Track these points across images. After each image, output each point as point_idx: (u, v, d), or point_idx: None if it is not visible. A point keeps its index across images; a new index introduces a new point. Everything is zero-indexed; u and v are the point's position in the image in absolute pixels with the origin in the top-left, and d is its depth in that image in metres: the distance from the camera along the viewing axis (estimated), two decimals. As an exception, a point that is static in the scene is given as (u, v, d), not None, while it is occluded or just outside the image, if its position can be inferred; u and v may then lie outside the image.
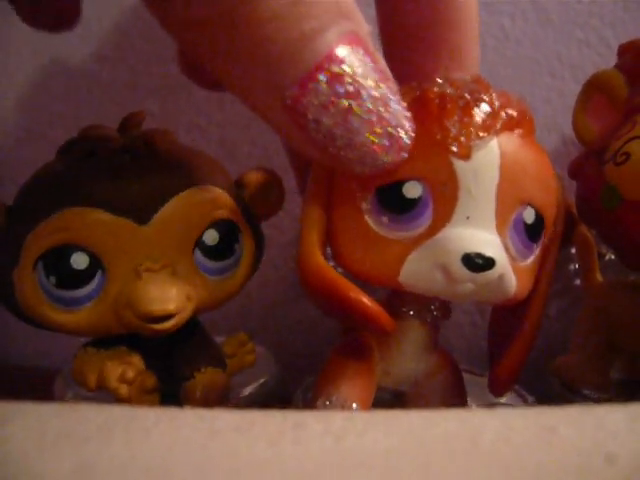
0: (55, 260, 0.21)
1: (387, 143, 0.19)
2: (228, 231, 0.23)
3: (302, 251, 0.22)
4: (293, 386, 0.29)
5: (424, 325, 0.23)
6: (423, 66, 0.24)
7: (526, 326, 0.23)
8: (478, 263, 0.19)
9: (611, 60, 0.26)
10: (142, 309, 0.21)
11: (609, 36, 0.31)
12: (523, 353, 0.23)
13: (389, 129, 0.19)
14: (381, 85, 0.18)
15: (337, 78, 0.18)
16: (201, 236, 0.23)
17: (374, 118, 0.18)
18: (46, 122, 0.37)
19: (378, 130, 0.18)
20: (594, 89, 0.25)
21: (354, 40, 0.18)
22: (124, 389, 0.22)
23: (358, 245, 0.21)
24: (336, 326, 0.27)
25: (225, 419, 0.16)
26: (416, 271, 0.20)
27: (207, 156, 0.25)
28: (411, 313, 0.23)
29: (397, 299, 0.23)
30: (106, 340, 0.23)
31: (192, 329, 0.24)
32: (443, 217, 0.20)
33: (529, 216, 0.21)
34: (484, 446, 0.15)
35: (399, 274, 0.20)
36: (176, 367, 0.23)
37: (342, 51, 0.18)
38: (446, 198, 0.20)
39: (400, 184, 0.20)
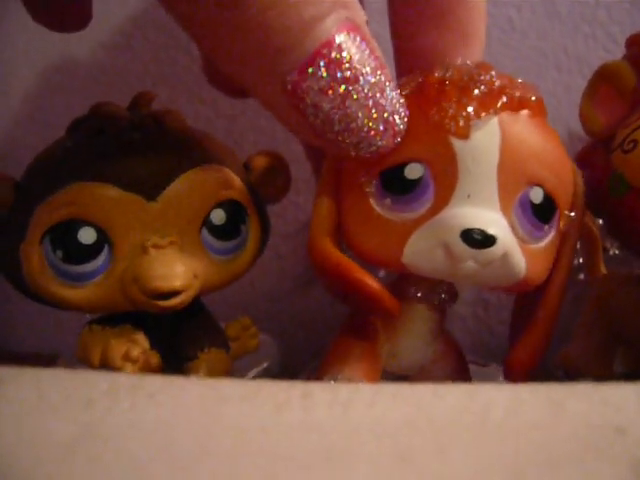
0: (62, 234, 0.21)
1: (382, 128, 0.19)
2: (235, 211, 0.23)
3: (311, 235, 0.22)
4: (296, 372, 0.28)
5: (431, 308, 0.23)
6: (432, 42, 0.24)
7: (541, 313, 0.23)
8: (477, 239, 0.19)
9: (617, 55, 0.26)
10: (148, 285, 0.21)
11: (615, 31, 0.32)
12: (539, 341, 0.23)
13: (385, 114, 0.19)
14: (378, 72, 0.19)
15: (336, 64, 0.18)
16: (208, 215, 0.22)
17: (371, 103, 0.19)
18: (54, 111, 0.37)
19: (374, 115, 0.19)
20: (602, 80, 0.25)
21: (352, 27, 0.18)
22: (128, 367, 0.22)
23: (364, 228, 0.21)
24: (339, 316, 0.27)
25: (232, 387, 0.16)
26: (418, 251, 0.20)
27: (215, 138, 0.25)
28: (419, 295, 0.23)
29: (405, 282, 0.23)
30: (111, 318, 0.23)
31: (196, 310, 0.24)
32: (444, 197, 0.20)
33: (536, 196, 0.21)
34: (494, 420, 0.15)
35: (402, 254, 0.20)
36: (180, 347, 0.23)
37: (340, 38, 0.18)
38: (447, 178, 0.20)
39: (402, 166, 0.20)
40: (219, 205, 0.23)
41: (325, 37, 0.18)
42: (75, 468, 0.13)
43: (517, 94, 0.21)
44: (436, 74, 0.21)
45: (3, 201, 0.22)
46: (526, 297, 0.24)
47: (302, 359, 0.29)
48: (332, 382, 0.22)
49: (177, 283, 0.21)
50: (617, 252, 0.30)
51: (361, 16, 0.19)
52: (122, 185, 0.21)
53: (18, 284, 0.22)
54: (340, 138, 0.19)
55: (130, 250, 0.21)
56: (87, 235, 0.21)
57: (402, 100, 0.20)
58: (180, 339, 0.23)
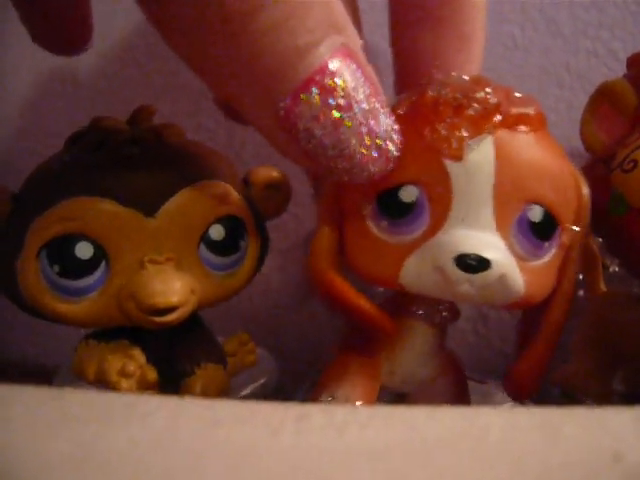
0: (59, 249, 0.21)
1: (375, 154, 0.19)
2: (234, 227, 0.23)
3: (310, 258, 0.22)
4: (293, 388, 0.28)
5: (432, 326, 0.23)
6: (430, 46, 0.24)
7: (545, 327, 0.22)
8: (471, 264, 0.19)
9: (619, 72, 0.26)
10: (145, 301, 0.21)
11: (618, 48, 0.32)
12: (542, 356, 0.22)
13: (378, 141, 0.19)
14: (372, 98, 0.19)
15: (329, 91, 0.18)
16: (207, 231, 0.22)
17: (364, 130, 0.19)
18: (55, 121, 0.37)
19: (367, 142, 0.19)
20: (603, 98, 0.25)
21: (346, 53, 0.18)
22: (124, 383, 0.22)
23: (362, 249, 0.22)
24: (338, 330, 0.27)
25: (226, 409, 0.16)
26: (414, 274, 0.20)
27: (215, 152, 0.25)
28: (420, 313, 0.23)
29: (405, 299, 0.23)
30: (108, 332, 0.23)
31: (193, 325, 0.24)
32: (439, 219, 0.20)
33: (535, 215, 0.20)
34: (490, 445, 0.15)
35: (399, 276, 0.20)
36: (177, 362, 0.23)
37: (334, 64, 0.18)
38: (441, 200, 0.20)
39: (397, 189, 0.20)
40: (218, 221, 0.23)
41: (318, 63, 0.18)
42: (67, 490, 0.13)
43: (513, 111, 0.20)
44: (430, 92, 0.21)
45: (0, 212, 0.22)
46: (531, 311, 0.24)
47: (301, 373, 0.29)
48: (329, 400, 0.22)
49: (174, 299, 0.21)
50: (617, 269, 0.30)
51: (356, 41, 0.19)
52: (120, 200, 0.21)
53: (15, 298, 0.22)
54: (333, 164, 0.19)
55: (127, 266, 0.21)
56: (84, 250, 0.21)
57: (396, 126, 0.20)
58: (177, 354, 0.23)
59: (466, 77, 0.21)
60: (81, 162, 0.22)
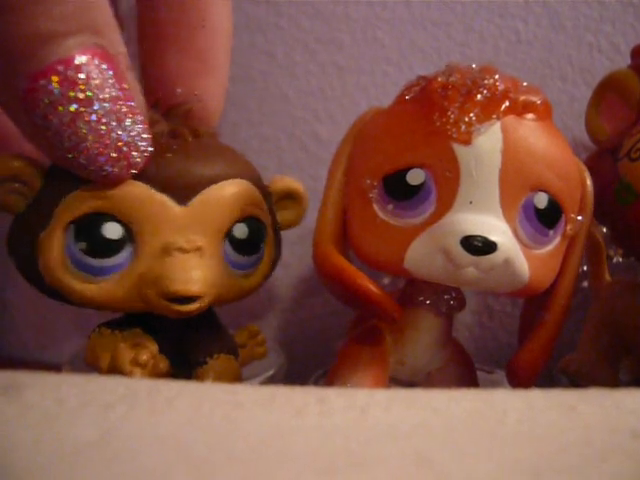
0: (88, 226, 0.21)
1: (115, 155, 0.20)
2: (257, 229, 0.24)
3: (315, 241, 0.22)
4: (301, 381, 0.28)
5: (439, 315, 0.23)
6: (172, 67, 0.25)
7: (548, 317, 0.23)
8: (478, 246, 0.19)
9: (621, 65, 0.27)
10: (168, 287, 0.21)
11: (620, 42, 0.32)
12: (544, 345, 0.23)
13: (119, 144, 0.20)
14: (119, 102, 0.19)
15: (71, 83, 0.19)
16: (232, 228, 0.23)
17: (103, 129, 0.19)
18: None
19: (106, 142, 0.20)
20: (607, 89, 0.25)
21: (99, 54, 0.19)
22: (137, 372, 0.22)
23: (367, 233, 0.22)
24: (344, 324, 0.28)
25: (247, 393, 0.16)
26: (420, 257, 0.20)
27: (244, 156, 0.25)
28: (427, 302, 0.23)
29: (413, 288, 0.23)
30: (121, 321, 0.23)
31: (206, 316, 0.24)
32: (446, 203, 0.20)
33: (541, 201, 0.21)
34: (510, 424, 0.15)
35: (404, 260, 0.20)
36: (189, 352, 0.23)
37: (81, 59, 0.19)
38: (449, 184, 0.20)
39: (404, 172, 0.20)
40: (243, 220, 0.23)
41: (63, 54, 0.18)
42: (95, 472, 0.13)
43: (521, 98, 0.21)
44: (439, 79, 0.21)
45: (31, 186, 0.22)
46: (534, 300, 0.24)
47: (307, 368, 0.29)
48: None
49: (195, 288, 0.21)
50: (621, 260, 0.30)
51: (116, 47, 0.20)
52: (155, 185, 0.21)
53: (32, 276, 0.22)
54: (70, 156, 0.20)
55: (152, 251, 0.21)
56: (113, 230, 0.21)
57: (147, 136, 0.20)
58: (189, 344, 0.23)
59: (474, 66, 0.22)
60: None
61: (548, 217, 0.21)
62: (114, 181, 0.21)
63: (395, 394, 0.16)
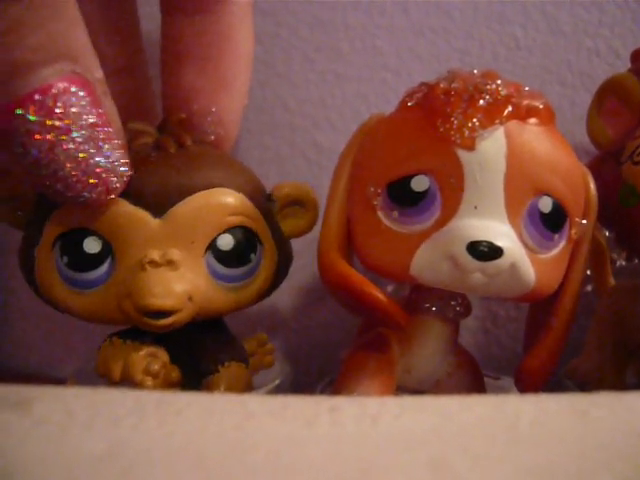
0: (70, 241, 0.22)
1: (93, 182, 0.20)
2: (245, 239, 0.23)
3: (320, 249, 0.22)
4: (307, 390, 0.28)
5: (445, 322, 0.23)
6: (192, 85, 0.25)
7: (554, 322, 0.22)
8: (484, 251, 0.19)
9: (620, 69, 0.27)
10: (140, 301, 0.21)
11: (618, 46, 0.32)
12: (552, 352, 0.23)
13: (98, 170, 0.20)
14: (97, 128, 0.20)
15: (48, 112, 0.19)
16: (215, 239, 0.22)
17: (80, 156, 0.19)
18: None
19: (84, 168, 0.20)
20: (608, 92, 0.26)
21: (76, 81, 0.19)
22: (149, 381, 0.22)
23: (372, 240, 0.22)
24: (350, 333, 0.27)
25: (258, 403, 0.16)
26: (426, 263, 0.20)
27: (239, 163, 0.25)
28: (433, 309, 0.23)
29: (419, 295, 0.23)
30: (131, 331, 0.23)
31: (216, 324, 0.24)
32: (451, 208, 0.20)
33: (545, 205, 0.21)
34: (522, 429, 0.15)
35: (410, 267, 0.21)
36: (200, 361, 0.23)
37: (58, 88, 0.19)
38: (453, 190, 0.20)
39: (408, 178, 0.21)
40: (228, 230, 0.22)
41: (39, 83, 0.19)
42: (108, 484, 0.13)
43: (524, 103, 0.21)
44: (441, 85, 0.21)
45: (25, 203, 0.23)
46: (540, 306, 0.24)
47: (312, 377, 0.29)
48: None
49: (168, 303, 0.21)
50: (624, 263, 0.30)
51: (93, 73, 0.20)
52: (132, 199, 0.21)
53: (32, 284, 0.23)
54: (48, 183, 0.20)
55: (130, 264, 0.22)
56: (92, 245, 0.22)
57: (125, 161, 0.21)
58: (200, 353, 0.23)
59: (476, 71, 0.22)
60: None
61: (553, 221, 0.21)
62: (93, 206, 0.21)
63: (406, 401, 0.16)
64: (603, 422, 0.15)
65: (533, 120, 0.21)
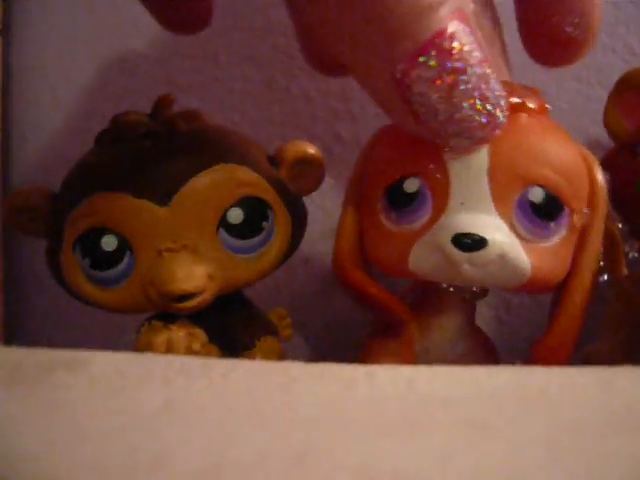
0: (88, 243, 0.22)
1: (484, 120, 0.19)
2: (254, 209, 0.23)
3: (335, 260, 0.24)
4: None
5: (462, 301, 0.24)
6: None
7: (564, 311, 0.23)
8: (466, 242, 0.20)
9: (635, 65, 0.27)
10: (162, 288, 0.22)
11: (634, 43, 0.33)
12: (563, 340, 0.23)
13: (488, 106, 0.19)
14: (484, 63, 0.19)
15: (446, 54, 0.18)
16: (225, 214, 0.23)
17: (476, 94, 0.19)
18: (84, 118, 0.38)
19: (478, 107, 0.19)
20: (626, 86, 0.26)
21: (462, 17, 0.18)
22: None
23: (376, 242, 0.23)
24: (366, 320, 0.28)
25: (299, 368, 0.17)
26: (420, 258, 0.22)
27: (236, 134, 0.25)
28: (451, 289, 0.24)
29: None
30: (166, 315, 0.23)
31: (243, 302, 0.25)
32: (440, 206, 0.21)
33: (536, 196, 0.21)
34: (551, 394, 0.15)
35: (408, 263, 0.22)
36: (236, 338, 0.24)
37: (452, 27, 0.18)
38: (441, 188, 0.21)
39: (401, 181, 0.22)
40: (236, 204, 0.23)
41: (438, 26, 0.18)
42: (164, 434, 0.14)
43: (511, 100, 0.21)
44: None
45: (40, 211, 0.23)
46: (555, 295, 0.24)
47: (332, 360, 0.29)
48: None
49: (189, 286, 0.22)
50: (636, 255, 0.31)
51: (469, 6, 0.19)
52: (134, 193, 0.22)
53: (62, 284, 0.24)
54: (442, 128, 0.19)
55: (149, 255, 0.22)
56: (109, 242, 0.22)
57: (504, 93, 0.20)
58: (236, 330, 0.24)
59: None
60: (102, 159, 0.23)
61: (546, 211, 0.21)
62: (478, 146, 0.20)
63: (438, 369, 0.17)
64: (627, 391, 0.16)
65: (521, 115, 0.21)
